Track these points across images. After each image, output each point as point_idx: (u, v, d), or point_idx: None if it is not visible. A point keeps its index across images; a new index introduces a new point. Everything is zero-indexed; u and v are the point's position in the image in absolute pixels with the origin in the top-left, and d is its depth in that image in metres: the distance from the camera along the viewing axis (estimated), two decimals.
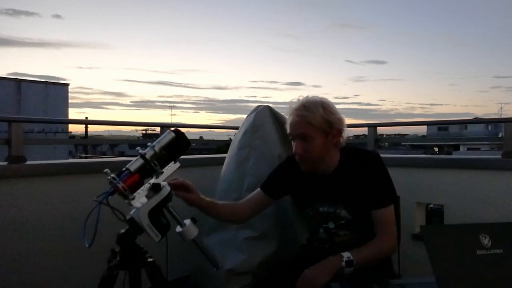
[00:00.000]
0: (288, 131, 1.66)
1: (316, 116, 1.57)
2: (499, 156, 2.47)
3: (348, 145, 1.74)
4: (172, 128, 1.39)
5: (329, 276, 1.44)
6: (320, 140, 1.60)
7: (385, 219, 1.64)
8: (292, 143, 1.67)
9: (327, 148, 1.63)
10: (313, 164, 1.65)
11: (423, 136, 28.21)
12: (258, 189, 1.82)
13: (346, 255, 1.49)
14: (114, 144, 34.73)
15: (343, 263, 1.46)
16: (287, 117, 1.67)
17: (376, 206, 1.63)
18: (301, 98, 1.65)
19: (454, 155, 11.59)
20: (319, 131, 1.59)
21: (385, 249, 1.63)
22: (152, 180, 1.35)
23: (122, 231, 1.35)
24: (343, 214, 1.67)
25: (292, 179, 1.76)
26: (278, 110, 2.55)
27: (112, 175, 1.27)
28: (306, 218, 1.82)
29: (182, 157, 1.42)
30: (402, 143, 32.32)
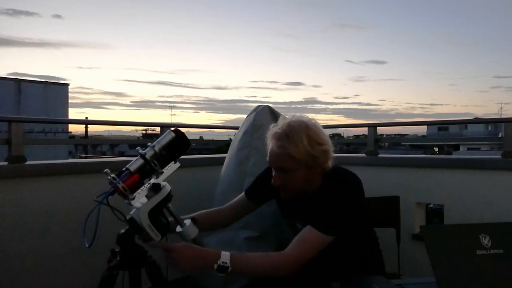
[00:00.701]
0: (267, 158, 1.51)
1: (299, 149, 1.41)
2: (499, 156, 2.47)
3: (334, 168, 1.54)
4: (172, 128, 1.39)
5: (197, 270, 1.36)
6: (301, 173, 1.46)
7: (305, 239, 1.42)
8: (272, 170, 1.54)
9: (309, 180, 1.49)
10: (292, 193, 1.54)
11: (423, 136, 28.26)
12: (242, 195, 1.77)
13: (224, 258, 1.33)
14: (114, 144, 34.74)
15: (215, 266, 1.33)
16: (267, 141, 1.51)
17: (310, 223, 1.44)
18: (285, 121, 1.48)
19: (454, 155, 11.59)
20: (302, 165, 1.44)
21: (277, 265, 1.40)
22: (152, 180, 1.35)
23: (122, 231, 1.35)
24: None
25: (273, 188, 1.63)
26: (278, 110, 2.55)
27: (112, 175, 1.27)
28: (287, 225, 1.81)
29: (182, 157, 1.42)
30: (402, 143, 32.37)
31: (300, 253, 1.41)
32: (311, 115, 1.53)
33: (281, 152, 1.44)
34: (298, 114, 1.53)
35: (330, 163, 1.51)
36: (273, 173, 1.52)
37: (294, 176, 1.47)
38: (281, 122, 1.49)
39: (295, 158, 1.42)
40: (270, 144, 1.49)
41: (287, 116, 1.54)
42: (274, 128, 1.50)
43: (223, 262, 1.33)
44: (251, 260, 1.42)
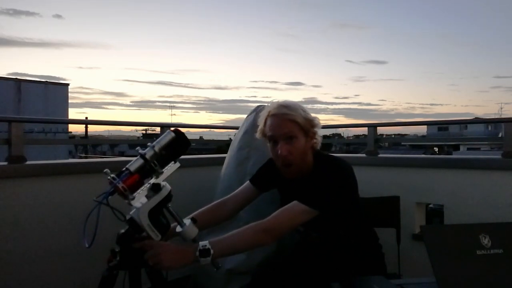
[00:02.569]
0: (268, 133, 1.60)
1: (299, 116, 1.56)
2: (499, 156, 2.47)
3: (321, 151, 1.67)
4: (172, 128, 1.39)
5: (178, 265, 1.34)
6: (302, 140, 1.58)
7: (287, 208, 1.48)
8: (271, 147, 1.62)
9: (306, 151, 1.60)
10: (295, 167, 1.60)
11: (423, 136, 28.24)
12: (247, 182, 1.81)
13: (202, 243, 1.35)
14: (114, 144, 34.72)
15: (197, 253, 1.34)
16: (261, 121, 1.64)
17: (298, 198, 1.50)
18: (275, 102, 1.62)
19: (454, 155, 11.59)
20: (302, 130, 1.57)
21: (256, 233, 1.44)
22: (152, 180, 1.35)
23: (122, 231, 1.35)
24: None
25: (276, 176, 1.74)
26: None
27: (112, 175, 1.27)
28: None
29: (182, 157, 1.42)
30: (402, 143, 32.34)
31: (279, 219, 1.47)
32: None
33: (285, 118, 1.56)
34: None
35: (319, 141, 1.63)
36: (279, 145, 1.58)
37: (297, 143, 1.57)
38: (275, 102, 1.62)
39: (297, 122, 1.56)
40: (269, 120, 1.61)
41: None
42: (267, 108, 1.63)
43: (202, 246, 1.35)
44: (230, 237, 1.44)
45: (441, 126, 36.35)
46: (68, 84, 23.98)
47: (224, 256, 1.44)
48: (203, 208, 1.74)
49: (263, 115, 1.65)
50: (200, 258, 1.34)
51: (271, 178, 1.76)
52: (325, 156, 1.67)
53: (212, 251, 1.34)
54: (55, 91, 21.96)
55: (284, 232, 1.47)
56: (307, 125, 1.58)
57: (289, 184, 1.68)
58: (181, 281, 2.50)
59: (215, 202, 1.80)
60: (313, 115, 1.62)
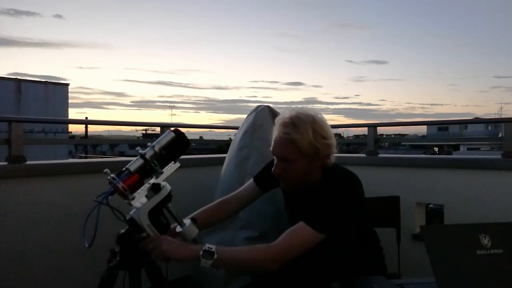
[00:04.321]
0: (271, 148, 1.52)
1: (303, 140, 1.42)
2: (499, 156, 2.47)
3: (335, 165, 1.55)
4: (172, 128, 1.39)
5: (177, 257, 1.32)
6: (302, 164, 1.46)
7: (295, 233, 1.41)
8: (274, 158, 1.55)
9: (309, 172, 1.50)
10: (291, 184, 1.55)
11: (423, 136, 28.25)
12: (250, 181, 1.79)
13: (208, 245, 1.32)
14: (114, 144, 34.70)
15: (201, 252, 1.31)
16: (274, 129, 1.53)
17: (304, 218, 1.42)
18: (294, 111, 1.48)
19: (454, 155, 11.59)
20: (303, 155, 1.44)
21: (262, 256, 1.38)
22: (152, 180, 1.35)
23: (122, 231, 1.35)
24: None
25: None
26: (279, 110, 2.55)
27: (112, 175, 1.27)
28: (288, 217, 1.81)
29: (182, 157, 1.42)
30: (402, 143, 32.32)
31: (287, 246, 1.39)
32: None
33: (286, 139, 1.44)
34: (307, 107, 1.53)
35: (331, 159, 1.51)
36: (275, 161, 1.53)
37: (295, 166, 1.47)
38: (289, 112, 1.49)
39: (298, 147, 1.43)
40: (275, 131, 1.50)
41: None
42: (282, 116, 1.50)
43: (208, 247, 1.32)
44: (237, 251, 1.44)
45: (441, 126, 36.34)
46: (68, 84, 24.02)
47: (225, 267, 1.41)
48: (204, 208, 1.73)
49: (277, 121, 1.53)
50: (202, 258, 1.32)
51: (274, 178, 1.70)
52: (334, 170, 1.54)
53: (216, 256, 1.31)
54: (55, 91, 21.98)
55: (291, 259, 1.40)
56: (311, 152, 1.44)
57: (293, 191, 1.64)
58: (181, 281, 2.50)
59: (216, 202, 1.79)
60: (327, 142, 1.45)
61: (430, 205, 2.84)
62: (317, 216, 1.42)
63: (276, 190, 1.81)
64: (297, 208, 1.64)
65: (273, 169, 1.53)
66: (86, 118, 17.75)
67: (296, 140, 1.42)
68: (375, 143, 2.97)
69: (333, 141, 1.49)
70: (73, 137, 19.42)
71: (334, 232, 1.43)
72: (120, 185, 1.25)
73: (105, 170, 1.26)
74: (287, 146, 1.45)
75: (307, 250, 1.41)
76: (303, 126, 1.43)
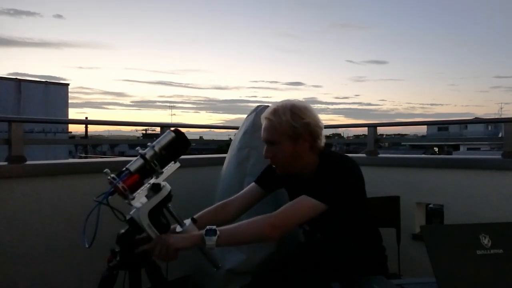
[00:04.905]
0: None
1: (282, 122, 1.54)
2: (499, 156, 2.47)
3: (332, 152, 1.70)
4: (172, 128, 1.39)
5: (185, 245, 1.36)
6: (287, 146, 1.56)
7: (295, 202, 1.49)
8: None
9: (299, 154, 1.58)
10: (285, 168, 1.63)
11: (423, 136, 28.22)
12: (252, 183, 1.80)
13: (208, 226, 1.38)
14: (114, 144, 34.68)
15: (204, 232, 1.36)
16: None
17: (305, 192, 1.50)
18: (278, 102, 1.62)
19: (454, 155, 11.59)
20: (285, 136, 1.55)
21: (263, 226, 1.44)
22: (152, 180, 1.35)
23: (122, 231, 1.35)
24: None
25: (281, 176, 1.72)
26: None
27: (112, 175, 1.27)
28: None
29: (182, 157, 1.42)
30: (402, 143, 32.31)
31: (287, 213, 1.47)
32: None
33: (267, 124, 1.58)
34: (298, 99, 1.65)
35: (319, 141, 1.59)
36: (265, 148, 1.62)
37: (281, 148, 1.57)
38: (275, 104, 1.63)
39: (277, 129, 1.55)
40: (263, 121, 1.62)
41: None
42: (266, 110, 1.62)
43: (209, 227, 1.37)
44: (237, 226, 1.47)
45: (441, 126, 36.31)
46: (68, 84, 24.00)
47: (229, 244, 1.47)
48: (206, 209, 1.72)
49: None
50: (205, 236, 1.35)
51: (277, 177, 1.73)
52: (331, 155, 1.66)
53: (218, 232, 1.36)
54: (55, 91, 21.97)
55: (291, 228, 1.49)
56: (291, 132, 1.54)
57: (295, 182, 1.67)
58: (181, 281, 2.50)
59: (218, 203, 1.78)
60: (305, 120, 1.56)
61: (430, 205, 2.84)
62: (318, 188, 1.50)
63: (277, 192, 1.81)
64: None
65: (264, 154, 1.62)
66: (86, 118, 17.72)
67: (276, 123, 1.55)
68: (375, 143, 2.97)
69: (313, 120, 1.57)
70: (73, 137, 19.36)
71: (334, 202, 1.49)
72: (120, 185, 1.25)
73: (105, 170, 1.26)
74: (270, 130, 1.58)
75: (307, 219, 1.49)
76: (282, 111, 1.56)
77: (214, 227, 1.37)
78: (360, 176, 1.61)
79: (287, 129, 1.54)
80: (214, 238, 1.35)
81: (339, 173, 1.54)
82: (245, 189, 1.81)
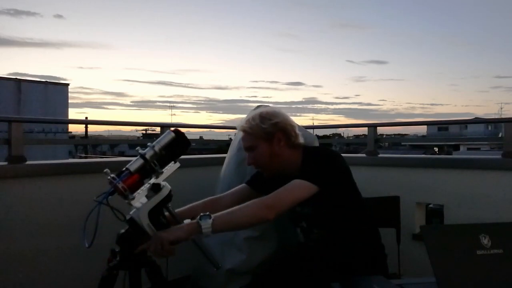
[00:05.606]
0: None
1: (253, 127, 1.64)
2: (499, 156, 2.47)
3: (315, 147, 1.80)
4: (172, 128, 1.40)
5: (179, 235, 1.35)
6: (264, 147, 1.64)
7: (288, 185, 1.53)
8: None
9: (276, 153, 1.65)
10: (269, 170, 1.69)
11: (423, 136, 28.21)
12: (243, 184, 1.82)
13: (202, 213, 1.40)
14: (114, 144, 34.68)
15: (198, 218, 1.37)
16: None
17: (298, 177, 1.56)
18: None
19: (454, 155, 11.60)
20: (259, 140, 1.64)
21: (257, 207, 1.48)
22: (152, 180, 1.35)
23: (122, 231, 1.35)
24: (306, 211, 1.68)
25: (271, 179, 1.73)
26: None
27: (112, 175, 1.27)
28: (289, 218, 1.82)
29: (182, 157, 1.42)
30: (402, 143, 32.32)
31: (281, 194, 1.51)
32: (311, 115, 1.75)
33: (243, 134, 1.69)
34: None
35: (293, 137, 1.66)
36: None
37: (260, 152, 1.65)
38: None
39: (251, 135, 1.66)
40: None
41: None
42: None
43: (202, 213, 1.38)
44: (232, 211, 1.48)
45: (441, 126, 36.33)
46: (68, 84, 24.01)
47: (226, 228, 1.49)
48: (194, 203, 1.72)
49: None
50: (200, 221, 1.35)
51: (268, 180, 1.73)
52: (314, 149, 1.76)
53: (212, 216, 1.37)
54: (55, 91, 21.97)
55: (285, 208, 1.52)
56: (262, 134, 1.63)
57: (286, 180, 1.67)
58: (181, 281, 2.50)
59: (207, 199, 1.79)
60: (273, 121, 1.64)
61: (430, 205, 2.84)
62: (308, 173, 1.56)
63: None
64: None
65: (246, 161, 1.71)
66: (86, 118, 17.73)
67: (248, 129, 1.66)
68: (375, 143, 2.97)
69: (281, 120, 1.66)
70: (73, 137, 19.37)
71: (325, 184, 1.54)
72: (120, 185, 1.25)
73: (105, 170, 1.26)
74: (245, 138, 1.69)
75: (300, 200, 1.53)
76: (252, 118, 1.67)
77: (207, 213, 1.39)
78: (345, 165, 1.68)
79: (259, 132, 1.64)
80: (210, 221, 1.36)
81: (324, 159, 1.63)
82: (236, 188, 1.83)
